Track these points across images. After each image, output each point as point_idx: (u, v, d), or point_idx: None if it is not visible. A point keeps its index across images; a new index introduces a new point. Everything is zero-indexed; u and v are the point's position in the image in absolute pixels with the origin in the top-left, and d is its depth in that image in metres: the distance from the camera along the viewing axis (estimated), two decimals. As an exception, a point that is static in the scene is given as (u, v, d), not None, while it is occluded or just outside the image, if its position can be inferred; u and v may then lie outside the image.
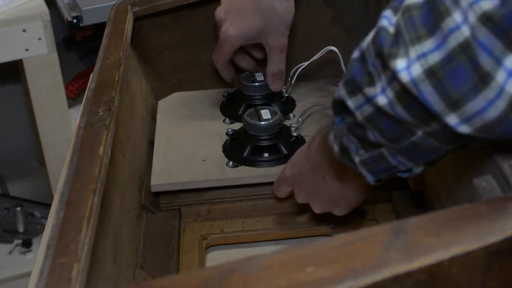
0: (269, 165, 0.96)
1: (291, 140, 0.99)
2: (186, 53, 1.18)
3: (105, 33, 1.01)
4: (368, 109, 0.60)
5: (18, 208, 1.85)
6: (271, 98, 1.08)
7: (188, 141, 1.03)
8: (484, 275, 0.48)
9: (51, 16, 1.62)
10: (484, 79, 0.50)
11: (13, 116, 2.14)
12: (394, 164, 0.63)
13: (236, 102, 1.10)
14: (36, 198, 1.95)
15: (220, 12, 1.03)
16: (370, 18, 1.08)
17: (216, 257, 0.91)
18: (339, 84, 0.63)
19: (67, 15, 1.68)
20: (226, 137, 1.02)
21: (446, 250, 0.47)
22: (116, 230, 0.77)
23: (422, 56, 0.53)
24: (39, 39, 1.60)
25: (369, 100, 0.59)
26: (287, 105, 1.10)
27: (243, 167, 0.96)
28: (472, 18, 0.50)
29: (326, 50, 1.00)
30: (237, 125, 1.05)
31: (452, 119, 0.53)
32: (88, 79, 0.92)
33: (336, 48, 0.99)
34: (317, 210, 0.85)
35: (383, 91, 0.57)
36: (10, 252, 1.86)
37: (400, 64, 0.54)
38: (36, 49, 1.61)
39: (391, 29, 0.56)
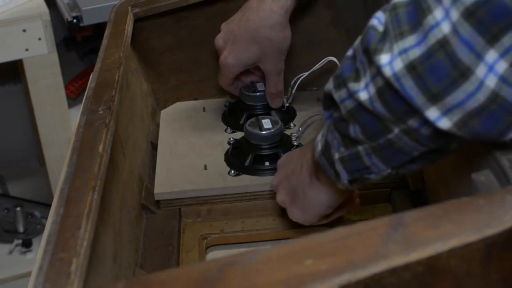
0: (271, 174, 0.97)
1: (292, 149, 0.99)
2: (186, 54, 1.18)
3: (105, 34, 1.01)
4: (350, 104, 0.62)
5: (18, 208, 1.85)
6: (272, 108, 1.09)
7: (190, 150, 1.04)
8: (482, 267, 0.48)
9: (51, 16, 1.62)
10: (463, 73, 0.52)
11: (13, 116, 2.14)
12: (368, 164, 0.66)
13: (238, 111, 1.11)
14: (36, 198, 1.94)
15: (219, 40, 1.06)
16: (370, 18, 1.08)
17: (216, 257, 0.91)
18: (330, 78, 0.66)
19: (67, 15, 1.68)
20: (228, 146, 1.04)
21: (445, 242, 0.47)
22: (116, 229, 0.78)
23: (404, 51, 0.55)
24: (39, 39, 1.60)
25: (351, 95, 0.61)
26: (288, 115, 1.11)
27: (244, 176, 0.97)
28: (455, 14, 0.52)
29: (327, 60, 1.02)
30: (239, 134, 1.07)
31: (432, 113, 0.55)
32: (88, 79, 0.92)
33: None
34: (279, 199, 0.88)
35: (366, 87, 0.59)
36: (10, 252, 1.86)
37: (384, 59, 0.56)
38: (36, 49, 1.61)
39: (380, 28, 0.58)
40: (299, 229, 0.92)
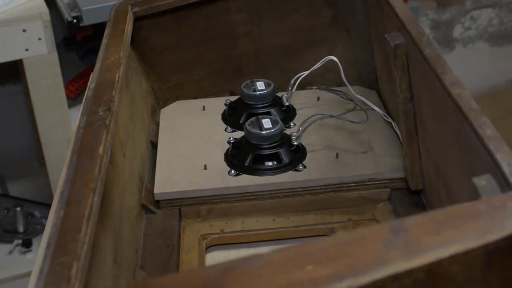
0: (271, 174, 0.97)
1: (292, 148, 0.99)
2: (186, 53, 1.18)
3: (105, 34, 1.01)
4: None
5: (18, 208, 1.85)
6: (272, 107, 1.09)
7: (190, 150, 1.04)
8: (484, 273, 0.48)
9: (51, 16, 1.62)
10: None
11: (13, 116, 2.14)
12: None
13: (238, 111, 1.11)
14: (36, 198, 1.94)
15: None
16: (370, 18, 1.08)
17: (216, 257, 0.91)
18: None
19: (67, 15, 1.67)
20: (228, 146, 1.03)
21: (446, 248, 0.47)
22: (116, 229, 0.77)
23: None
24: (39, 39, 1.60)
25: None
26: (288, 114, 1.10)
27: (244, 176, 0.97)
28: None
29: (326, 59, 1.02)
30: (239, 134, 1.06)
31: None
32: (88, 79, 0.92)
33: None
34: None
35: None
36: (10, 252, 1.86)
37: None
38: (36, 49, 1.61)
39: None
40: (299, 229, 0.92)
